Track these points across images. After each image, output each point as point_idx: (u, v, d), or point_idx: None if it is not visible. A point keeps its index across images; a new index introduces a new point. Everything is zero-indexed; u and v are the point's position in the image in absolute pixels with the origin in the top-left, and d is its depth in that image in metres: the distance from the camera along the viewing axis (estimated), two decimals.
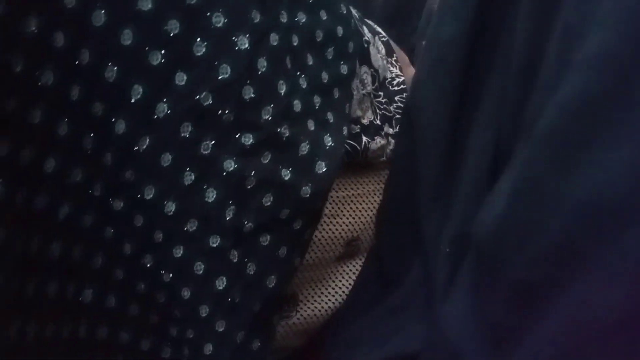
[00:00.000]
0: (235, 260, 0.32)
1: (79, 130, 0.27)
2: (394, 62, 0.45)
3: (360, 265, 0.42)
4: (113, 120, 0.27)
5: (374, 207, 0.41)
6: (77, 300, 0.30)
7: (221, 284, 0.31)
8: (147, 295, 0.31)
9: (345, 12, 0.36)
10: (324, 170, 0.32)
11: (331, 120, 0.34)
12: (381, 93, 0.42)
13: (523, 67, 0.30)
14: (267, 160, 0.31)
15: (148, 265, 0.31)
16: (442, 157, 0.35)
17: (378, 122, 0.41)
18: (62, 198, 0.27)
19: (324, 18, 0.34)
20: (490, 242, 0.29)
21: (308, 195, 0.32)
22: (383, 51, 0.43)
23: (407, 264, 0.38)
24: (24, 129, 0.25)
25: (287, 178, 0.31)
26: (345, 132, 0.35)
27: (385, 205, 0.41)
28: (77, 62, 0.26)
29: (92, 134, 0.27)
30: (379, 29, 0.45)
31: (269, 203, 0.31)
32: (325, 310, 0.41)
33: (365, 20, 0.43)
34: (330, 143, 0.33)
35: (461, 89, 0.34)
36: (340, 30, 0.35)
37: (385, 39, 0.44)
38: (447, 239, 0.34)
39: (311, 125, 0.32)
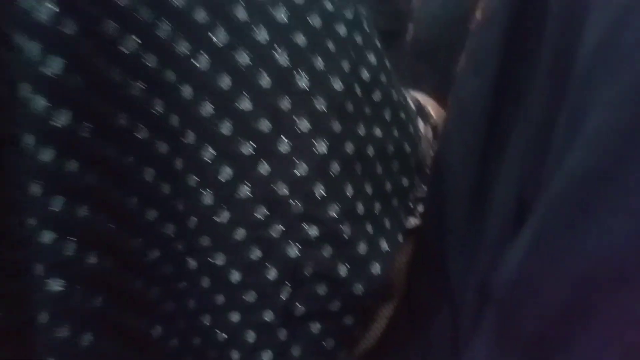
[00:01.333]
0: (283, 339, 0.34)
1: (176, 194, 0.32)
2: None
3: (392, 309, 0.43)
4: (202, 192, 0.32)
5: (407, 253, 0.43)
6: (149, 334, 0.34)
7: (267, 357, 0.34)
8: (200, 350, 0.35)
9: (413, 131, 0.39)
10: (378, 272, 0.35)
11: (388, 227, 0.37)
12: (417, 177, 0.44)
13: (542, 129, 0.32)
14: (327, 254, 0.33)
15: (206, 323, 0.35)
16: (468, 208, 0.37)
17: (411, 204, 0.43)
18: (155, 244, 0.33)
19: (396, 135, 0.38)
20: (508, 295, 0.30)
21: (360, 294, 0.34)
22: (430, 137, 0.46)
23: (436, 309, 0.39)
24: (135, 184, 0.31)
25: (342, 274, 0.34)
26: (400, 239, 0.37)
27: (416, 251, 0.42)
28: (184, 142, 0.31)
29: (185, 200, 0.32)
30: (430, 109, 0.47)
31: (323, 293, 0.34)
32: (359, 353, 0.41)
33: (421, 106, 0.47)
34: (386, 248, 0.36)
35: (485, 144, 0.36)
36: (407, 148, 0.38)
37: (434, 124, 0.47)
38: (472, 286, 0.36)
39: (370, 229, 0.35)
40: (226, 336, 0.34)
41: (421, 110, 0.47)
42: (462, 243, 0.38)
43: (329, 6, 0.33)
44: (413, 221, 0.42)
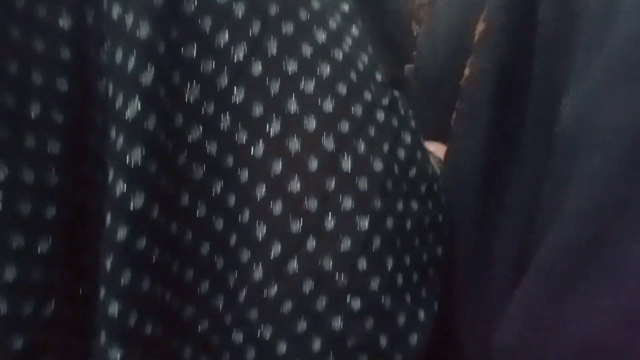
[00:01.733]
0: None
1: (228, 268, 0.35)
2: None
3: None
4: (254, 268, 0.34)
5: None
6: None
7: None
8: None
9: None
10: (415, 342, 0.36)
11: (424, 297, 0.39)
12: None
13: (532, 189, 0.33)
14: (369, 326, 0.35)
15: None
16: (469, 266, 0.39)
17: None
18: (203, 315, 0.35)
19: (430, 207, 0.40)
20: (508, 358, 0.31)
21: None
22: None
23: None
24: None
25: (383, 346, 0.35)
26: (435, 308, 0.39)
27: None
28: (239, 220, 0.34)
29: (236, 274, 0.35)
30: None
31: None
32: None
33: None
34: (423, 318, 0.37)
35: (483, 201, 0.38)
36: (440, 218, 0.40)
37: None
38: (476, 343, 0.37)
39: (408, 300, 0.37)
40: None
41: None
42: (466, 299, 0.39)
43: (369, 96, 0.37)
44: None
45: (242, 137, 0.34)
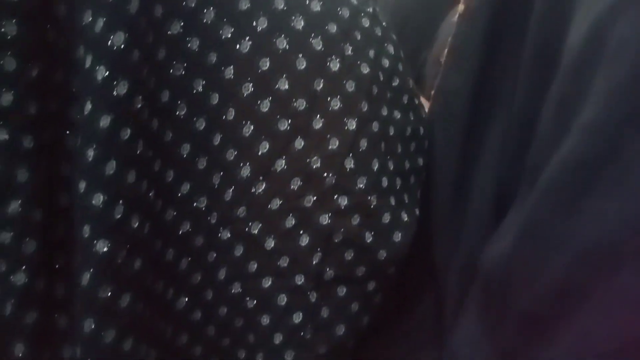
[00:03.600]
0: (313, 301, 0.36)
1: (213, 168, 0.34)
2: None
3: None
4: (241, 165, 0.34)
5: None
6: (174, 305, 0.35)
7: (298, 318, 0.36)
8: (226, 320, 0.36)
9: (424, 116, 0.42)
10: (399, 239, 0.37)
11: (406, 201, 0.40)
12: None
13: (522, 119, 0.34)
14: (356, 222, 0.36)
15: (234, 292, 0.36)
16: (449, 193, 0.39)
17: None
18: (186, 217, 0.34)
19: (412, 118, 0.41)
20: (498, 276, 0.32)
21: (383, 259, 0.37)
22: None
23: (421, 290, 0.41)
24: (173, 158, 0.33)
25: (368, 241, 0.36)
26: (417, 213, 0.40)
27: None
28: (223, 118, 0.34)
29: (221, 173, 0.34)
30: None
31: (350, 258, 0.36)
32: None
33: None
34: (406, 219, 0.39)
35: (466, 133, 0.38)
36: (421, 130, 0.41)
37: None
38: (455, 268, 0.38)
39: (392, 201, 0.38)
40: (256, 302, 0.36)
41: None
42: (445, 227, 0.40)
43: (354, 1, 0.37)
44: None
45: (227, 32, 0.33)
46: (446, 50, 0.42)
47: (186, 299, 0.36)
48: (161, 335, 0.34)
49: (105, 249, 0.29)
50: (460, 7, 0.41)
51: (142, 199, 0.31)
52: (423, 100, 0.52)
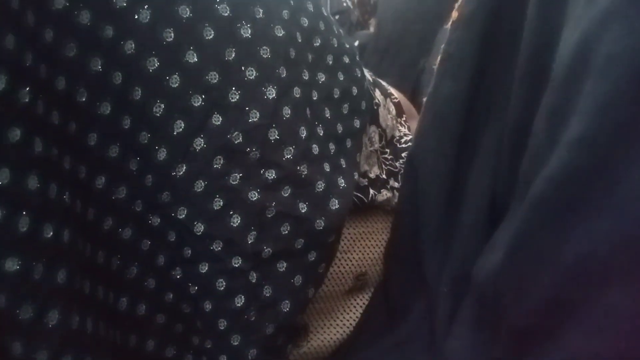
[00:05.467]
0: (254, 281, 0.34)
1: (127, 154, 0.31)
2: (403, 122, 0.48)
3: (367, 299, 0.44)
4: (156, 148, 0.31)
5: (382, 245, 0.44)
6: (115, 307, 0.33)
7: (239, 301, 0.34)
8: (174, 305, 0.34)
9: (359, 75, 0.40)
10: (336, 207, 0.35)
11: (343, 166, 0.38)
12: (388, 150, 0.45)
13: (516, 129, 0.33)
14: (287, 194, 0.34)
15: (177, 277, 0.34)
16: (442, 202, 0.38)
17: (384, 176, 0.44)
18: (108, 212, 0.31)
19: (341, 79, 0.39)
20: (490, 289, 0.31)
21: (321, 228, 0.35)
22: (393, 112, 0.47)
23: (412, 299, 0.40)
24: (82, 151, 0.29)
25: (303, 211, 0.34)
26: (355, 176, 0.38)
27: (391, 243, 0.43)
28: (130, 98, 0.31)
29: (137, 158, 0.31)
30: (392, 90, 0.49)
31: (286, 232, 0.34)
32: (334, 341, 0.42)
33: (379, 81, 0.48)
34: (343, 184, 0.37)
35: (459, 141, 0.37)
36: (354, 90, 0.39)
37: (396, 100, 0.48)
38: (447, 278, 0.37)
39: (326, 167, 0.36)
40: (197, 287, 0.34)
41: (379, 84, 0.47)
42: (437, 236, 0.38)
43: None
44: (385, 194, 0.43)
45: (121, 1, 0.29)
46: (439, 58, 0.40)
47: (127, 296, 0.33)
48: (108, 343, 0.32)
49: (15, 267, 0.25)
50: (454, 14, 0.40)
51: (53, 204, 0.28)
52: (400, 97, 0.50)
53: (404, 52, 0.84)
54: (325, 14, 0.39)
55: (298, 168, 0.34)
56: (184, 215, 0.33)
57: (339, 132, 0.38)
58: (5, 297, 0.25)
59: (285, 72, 0.33)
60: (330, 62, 0.38)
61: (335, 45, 0.39)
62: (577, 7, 0.28)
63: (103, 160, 0.31)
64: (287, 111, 0.33)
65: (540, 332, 0.29)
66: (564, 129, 0.27)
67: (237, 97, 0.32)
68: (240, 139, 0.32)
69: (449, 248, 0.37)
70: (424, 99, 0.40)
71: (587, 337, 0.27)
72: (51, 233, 0.27)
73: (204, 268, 0.34)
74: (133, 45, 0.30)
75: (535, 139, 0.30)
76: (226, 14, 0.31)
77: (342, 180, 0.36)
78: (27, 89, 0.26)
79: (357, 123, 0.39)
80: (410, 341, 0.39)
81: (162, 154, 0.32)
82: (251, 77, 0.32)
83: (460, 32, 0.38)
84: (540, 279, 0.28)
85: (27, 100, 0.26)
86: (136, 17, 0.30)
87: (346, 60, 0.40)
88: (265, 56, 0.32)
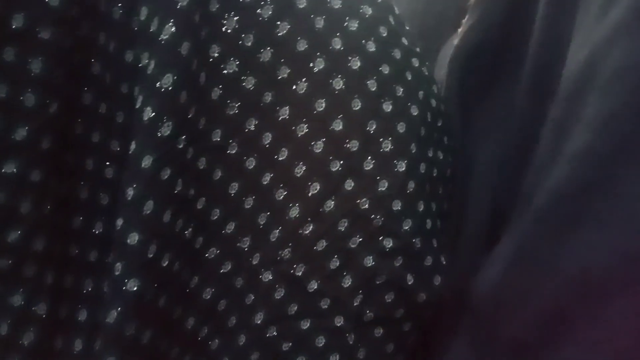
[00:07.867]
0: (351, 342, 0.35)
1: (257, 212, 0.33)
2: None
3: None
4: (290, 205, 0.33)
5: None
6: (208, 345, 0.34)
7: (334, 359, 0.35)
8: None
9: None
10: (439, 283, 0.36)
11: (445, 243, 0.39)
12: None
13: (520, 142, 0.33)
14: (398, 264, 0.35)
15: (269, 335, 0.35)
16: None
17: None
18: (227, 257, 0.33)
19: (450, 159, 0.40)
20: (487, 303, 0.31)
21: (422, 301, 0.36)
22: None
23: None
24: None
25: (410, 283, 0.35)
26: (449, 256, 0.39)
27: None
28: (276, 157, 0.33)
29: (268, 213, 0.33)
30: None
31: (390, 300, 0.35)
32: None
33: None
34: (444, 262, 0.38)
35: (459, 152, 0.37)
36: (450, 172, 0.40)
37: None
38: (445, 291, 0.36)
39: (435, 243, 0.37)
40: (291, 344, 0.34)
41: None
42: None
43: (406, 42, 0.36)
44: None
45: (284, 72, 0.32)
46: (443, 72, 0.41)
47: (217, 341, 0.34)
48: None
49: (135, 288, 0.29)
50: (460, 31, 0.41)
51: (175, 237, 0.30)
52: None
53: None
54: (442, 95, 0.41)
55: (413, 240, 0.35)
56: (301, 272, 0.34)
57: (445, 209, 0.39)
58: (118, 313, 0.29)
59: (415, 148, 0.35)
60: (446, 143, 0.39)
61: (451, 127, 0.41)
62: (586, 23, 0.29)
63: (238, 209, 0.33)
64: (412, 185, 0.35)
65: (538, 345, 0.28)
66: (567, 141, 0.27)
67: (371, 166, 0.33)
68: (367, 205, 0.33)
69: (450, 263, 0.37)
70: None
71: (586, 350, 0.26)
72: (167, 262, 0.30)
73: (306, 324, 0.34)
74: (288, 111, 0.32)
75: (540, 153, 0.30)
76: (374, 89, 0.33)
77: (443, 258, 0.37)
78: (184, 136, 0.29)
79: (448, 204, 0.41)
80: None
81: (295, 212, 0.33)
82: (386, 150, 0.34)
83: (469, 39, 0.39)
84: (539, 291, 0.28)
85: (181, 146, 0.29)
86: (294, 87, 0.32)
87: (453, 144, 0.41)
88: (401, 131, 0.34)
